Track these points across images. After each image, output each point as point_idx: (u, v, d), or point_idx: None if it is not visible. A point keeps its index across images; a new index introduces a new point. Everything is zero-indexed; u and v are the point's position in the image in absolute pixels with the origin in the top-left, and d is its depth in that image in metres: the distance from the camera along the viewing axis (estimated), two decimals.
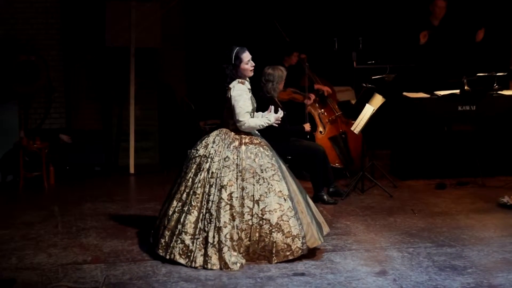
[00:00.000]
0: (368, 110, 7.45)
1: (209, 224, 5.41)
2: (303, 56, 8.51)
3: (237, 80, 5.64)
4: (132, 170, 8.87)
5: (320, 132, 8.34)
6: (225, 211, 5.41)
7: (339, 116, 8.48)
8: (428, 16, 8.96)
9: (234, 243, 5.42)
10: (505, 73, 8.64)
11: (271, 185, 5.47)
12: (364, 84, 8.17)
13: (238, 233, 5.43)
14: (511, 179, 8.08)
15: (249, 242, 5.45)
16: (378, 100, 7.43)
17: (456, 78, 8.37)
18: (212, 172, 5.52)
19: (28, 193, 7.86)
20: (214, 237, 5.38)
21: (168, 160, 9.27)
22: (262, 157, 5.55)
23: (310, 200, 5.83)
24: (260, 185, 5.46)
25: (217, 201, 5.44)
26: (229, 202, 5.43)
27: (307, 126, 7.56)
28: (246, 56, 5.64)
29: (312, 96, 8.14)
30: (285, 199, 5.47)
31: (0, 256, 5.65)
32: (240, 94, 5.60)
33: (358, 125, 7.55)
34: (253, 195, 5.44)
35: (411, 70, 8.97)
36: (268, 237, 5.42)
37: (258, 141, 5.67)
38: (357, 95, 8.82)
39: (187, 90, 9.69)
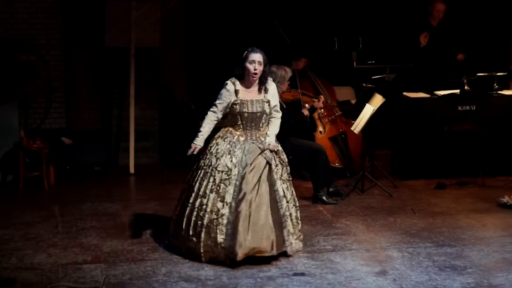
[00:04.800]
0: (368, 110, 7.45)
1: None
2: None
3: (232, 78, 5.67)
4: (132, 170, 8.87)
5: (320, 132, 8.34)
6: (180, 200, 5.72)
7: (339, 116, 8.48)
8: (427, 17, 8.96)
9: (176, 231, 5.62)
10: (505, 73, 8.63)
11: (218, 187, 5.44)
12: (364, 84, 8.16)
13: (180, 223, 5.53)
14: (511, 179, 8.08)
15: (182, 235, 5.50)
16: (378, 100, 7.43)
17: (456, 78, 8.36)
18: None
19: (28, 193, 7.86)
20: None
21: (168, 160, 9.28)
22: (224, 156, 5.49)
23: (283, 216, 5.52)
24: (209, 182, 5.47)
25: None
26: (184, 192, 5.66)
27: (305, 111, 7.52)
28: (252, 56, 5.58)
29: (322, 98, 8.07)
30: (224, 205, 5.39)
31: (0, 256, 5.65)
32: (221, 91, 5.64)
33: (358, 125, 7.55)
34: (199, 189, 5.49)
35: (411, 70, 8.97)
36: (195, 236, 5.42)
37: (234, 139, 5.59)
38: (357, 95, 8.81)
39: (187, 90, 9.69)
